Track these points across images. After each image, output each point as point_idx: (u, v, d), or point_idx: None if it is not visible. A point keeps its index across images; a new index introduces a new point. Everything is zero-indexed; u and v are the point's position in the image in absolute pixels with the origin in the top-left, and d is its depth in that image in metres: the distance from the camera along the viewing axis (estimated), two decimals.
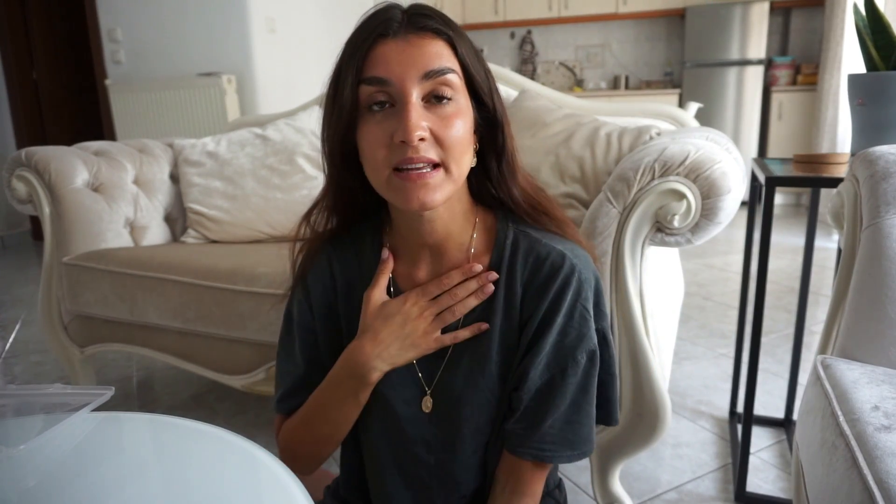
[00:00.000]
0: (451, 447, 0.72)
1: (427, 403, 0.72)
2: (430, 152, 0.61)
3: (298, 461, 0.77)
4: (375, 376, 0.70)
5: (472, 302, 0.69)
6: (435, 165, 0.61)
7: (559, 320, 0.67)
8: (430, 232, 0.69)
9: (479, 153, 0.69)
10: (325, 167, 0.70)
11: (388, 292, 0.73)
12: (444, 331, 0.71)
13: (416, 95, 0.60)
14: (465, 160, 0.64)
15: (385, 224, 0.75)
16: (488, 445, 0.73)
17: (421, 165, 0.60)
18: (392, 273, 0.73)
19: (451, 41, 0.63)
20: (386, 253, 0.72)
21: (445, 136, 0.61)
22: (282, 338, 0.79)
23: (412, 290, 0.71)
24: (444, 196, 0.63)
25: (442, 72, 0.61)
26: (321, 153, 0.70)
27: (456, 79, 0.62)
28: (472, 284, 0.69)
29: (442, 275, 0.71)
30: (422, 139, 0.60)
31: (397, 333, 0.69)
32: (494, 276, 0.69)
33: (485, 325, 0.69)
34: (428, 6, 0.65)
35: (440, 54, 0.62)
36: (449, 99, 0.62)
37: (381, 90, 0.61)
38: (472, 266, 0.69)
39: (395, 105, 0.61)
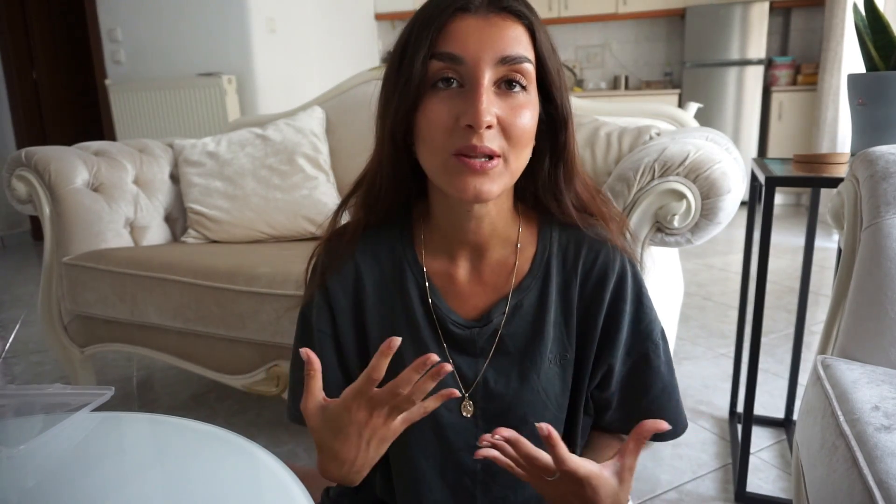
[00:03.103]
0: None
1: (467, 408, 0.68)
2: (494, 143, 0.57)
3: None
4: (361, 478, 0.61)
5: (430, 384, 0.55)
6: (494, 156, 0.57)
7: (628, 308, 0.67)
8: (476, 230, 0.65)
9: (533, 151, 0.64)
10: (383, 147, 0.64)
11: (426, 291, 0.68)
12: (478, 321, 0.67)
13: (488, 79, 0.56)
14: (525, 154, 0.60)
15: (417, 220, 0.71)
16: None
17: (482, 156, 0.56)
18: (429, 271, 0.69)
19: (532, 28, 0.59)
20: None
21: (513, 126, 0.57)
22: (297, 342, 0.73)
23: (349, 391, 0.56)
24: (500, 189, 0.59)
25: (518, 59, 0.57)
26: (377, 131, 0.64)
27: (530, 69, 0.58)
28: (429, 384, 0.55)
29: (480, 276, 0.69)
30: (489, 126, 0.56)
31: (356, 443, 0.58)
32: (449, 368, 0.53)
33: (455, 393, 0.56)
34: None
35: (519, 40, 0.58)
36: (522, 87, 0.58)
37: (452, 67, 0.57)
38: (428, 357, 0.53)
39: (463, 86, 0.57)
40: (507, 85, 0.57)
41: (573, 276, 0.67)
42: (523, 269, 0.68)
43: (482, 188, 0.57)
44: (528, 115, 0.58)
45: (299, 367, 0.71)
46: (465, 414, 0.68)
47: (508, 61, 0.56)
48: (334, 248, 0.71)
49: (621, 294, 0.67)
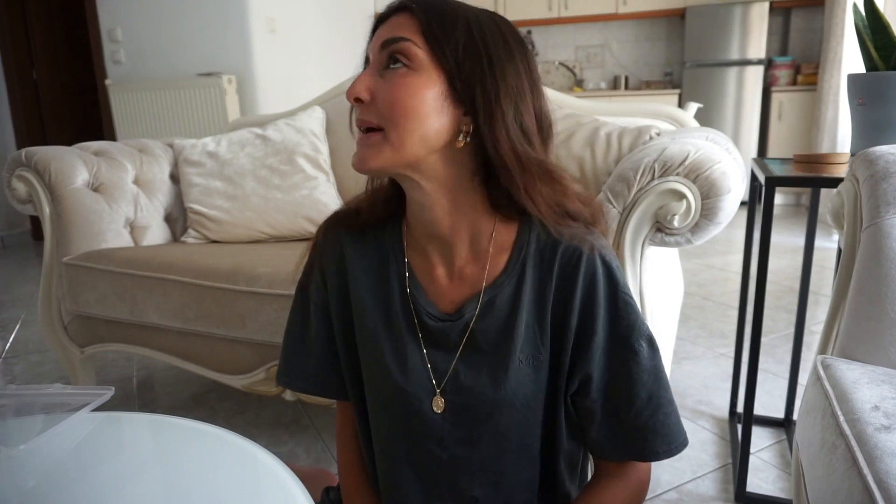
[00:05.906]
0: (466, 446, 0.70)
1: (438, 403, 0.69)
2: (369, 115, 0.62)
3: None
4: None
5: None
6: (373, 129, 0.62)
7: (601, 312, 0.66)
8: (431, 221, 0.67)
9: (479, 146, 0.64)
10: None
11: (405, 282, 0.71)
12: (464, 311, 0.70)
13: (372, 62, 0.64)
14: (408, 128, 0.61)
15: (404, 222, 0.74)
16: (519, 457, 0.70)
17: (364, 129, 0.63)
18: (411, 264, 0.72)
19: (415, 14, 0.62)
20: None
21: (384, 99, 0.61)
22: (294, 313, 0.79)
23: None
24: (381, 161, 0.62)
25: (395, 40, 0.62)
26: None
27: (412, 48, 0.61)
28: None
29: (455, 272, 0.70)
30: (357, 100, 0.62)
31: None
32: None
33: None
34: None
35: (401, 25, 0.63)
36: (403, 65, 0.61)
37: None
38: None
39: None
40: (389, 64, 0.62)
41: (549, 278, 0.67)
42: (498, 266, 0.69)
43: (361, 157, 0.63)
44: (400, 87, 0.61)
45: (293, 335, 0.79)
46: (436, 410, 0.70)
47: (387, 44, 0.62)
48: (332, 231, 0.76)
49: (593, 296, 0.66)
